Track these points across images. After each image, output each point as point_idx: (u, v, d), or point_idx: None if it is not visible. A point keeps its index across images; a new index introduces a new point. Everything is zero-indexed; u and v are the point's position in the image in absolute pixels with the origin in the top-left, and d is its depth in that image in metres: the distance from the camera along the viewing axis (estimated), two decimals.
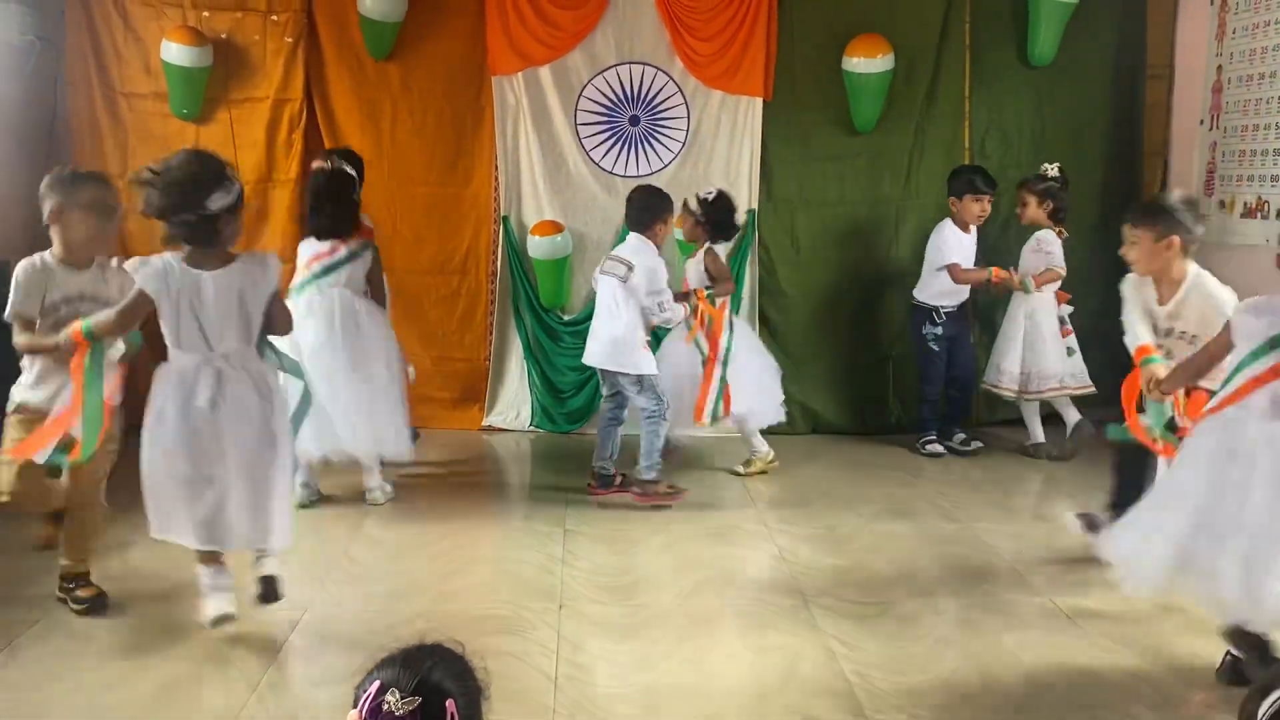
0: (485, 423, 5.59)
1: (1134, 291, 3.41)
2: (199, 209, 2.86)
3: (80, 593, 3.21)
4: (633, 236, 4.41)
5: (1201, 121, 5.42)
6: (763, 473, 4.78)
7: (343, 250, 4.17)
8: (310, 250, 4.20)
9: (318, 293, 4.14)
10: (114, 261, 3.26)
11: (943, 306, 5.11)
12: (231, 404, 2.94)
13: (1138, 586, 2.86)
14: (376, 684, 1.41)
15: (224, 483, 2.94)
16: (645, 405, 4.34)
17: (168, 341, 2.97)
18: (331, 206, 4.17)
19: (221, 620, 3.02)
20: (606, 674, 2.88)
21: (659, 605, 3.38)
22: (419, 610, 3.31)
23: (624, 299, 4.32)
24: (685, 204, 4.70)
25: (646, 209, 4.42)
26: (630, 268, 4.32)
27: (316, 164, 4.35)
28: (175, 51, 5.16)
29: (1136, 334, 3.32)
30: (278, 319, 3.10)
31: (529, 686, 2.78)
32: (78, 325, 2.95)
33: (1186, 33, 5.57)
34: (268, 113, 5.40)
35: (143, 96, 5.39)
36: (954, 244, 5.06)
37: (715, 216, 4.67)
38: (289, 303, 3.56)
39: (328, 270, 4.16)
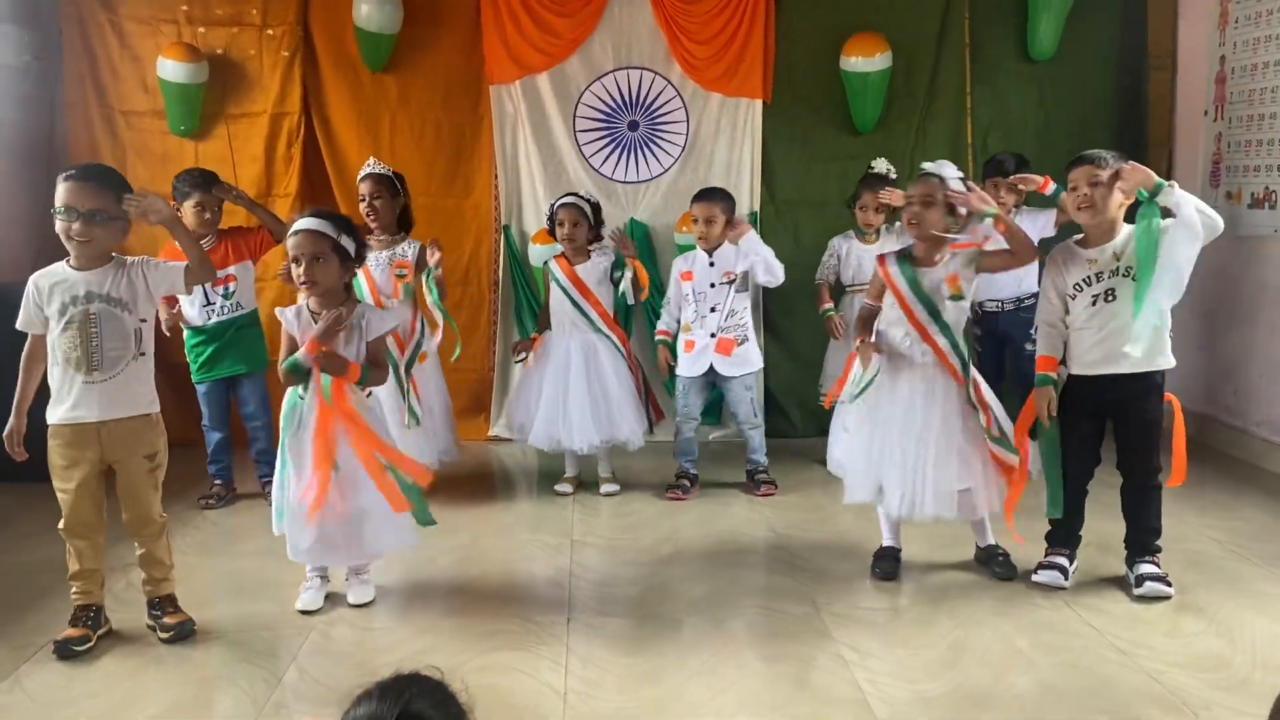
0: (491, 433, 5.56)
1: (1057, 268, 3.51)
2: None
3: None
4: None
5: (1205, 112, 5.37)
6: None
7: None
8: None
9: None
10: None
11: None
12: None
13: (854, 498, 3.64)
14: None
15: None
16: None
17: None
18: None
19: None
20: (616, 688, 2.85)
21: (668, 617, 3.34)
22: (425, 626, 3.28)
23: None
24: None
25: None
26: None
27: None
28: (171, 68, 5.16)
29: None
30: None
31: (538, 702, 2.75)
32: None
33: (1188, 22, 5.53)
34: (266, 127, 5.40)
35: (140, 114, 5.39)
36: None
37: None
38: None
39: None
